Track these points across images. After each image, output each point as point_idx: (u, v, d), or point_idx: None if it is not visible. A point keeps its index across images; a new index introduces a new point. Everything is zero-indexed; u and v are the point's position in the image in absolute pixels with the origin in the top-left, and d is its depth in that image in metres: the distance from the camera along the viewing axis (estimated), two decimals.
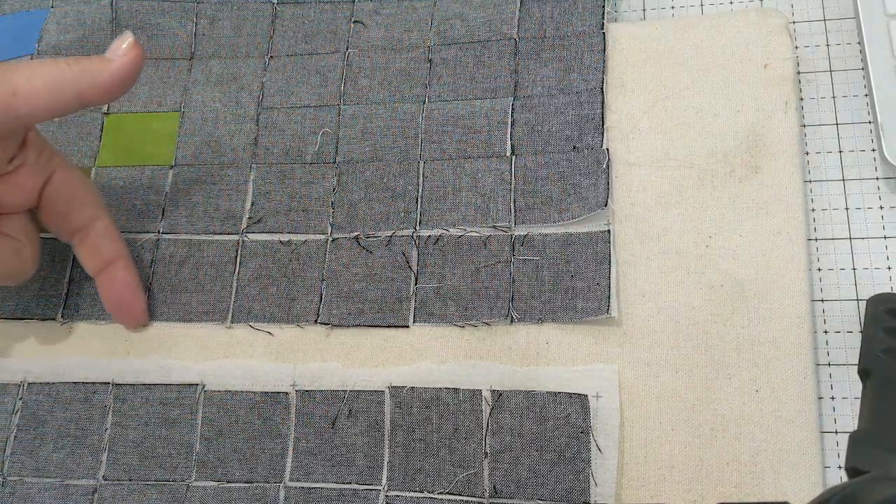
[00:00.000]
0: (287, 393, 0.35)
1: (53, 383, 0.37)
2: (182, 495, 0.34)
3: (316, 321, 0.36)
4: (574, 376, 0.33)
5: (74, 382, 0.37)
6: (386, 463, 0.33)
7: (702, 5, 0.40)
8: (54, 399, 0.37)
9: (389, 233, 0.37)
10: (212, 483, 0.34)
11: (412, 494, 0.33)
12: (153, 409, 0.36)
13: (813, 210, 0.36)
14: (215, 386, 0.36)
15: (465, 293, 0.35)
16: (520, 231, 0.36)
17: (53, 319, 0.38)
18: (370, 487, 0.33)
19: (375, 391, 0.34)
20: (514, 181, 0.37)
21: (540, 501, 0.32)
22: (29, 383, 0.37)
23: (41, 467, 0.36)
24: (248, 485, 0.34)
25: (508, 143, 0.38)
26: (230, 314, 0.37)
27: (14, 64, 0.31)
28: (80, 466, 0.35)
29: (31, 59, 0.43)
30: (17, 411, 0.37)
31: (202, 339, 0.37)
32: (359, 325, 0.36)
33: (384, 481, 0.33)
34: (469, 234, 0.36)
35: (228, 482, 0.34)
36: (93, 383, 0.37)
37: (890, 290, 0.34)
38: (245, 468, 0.34)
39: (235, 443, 0.35)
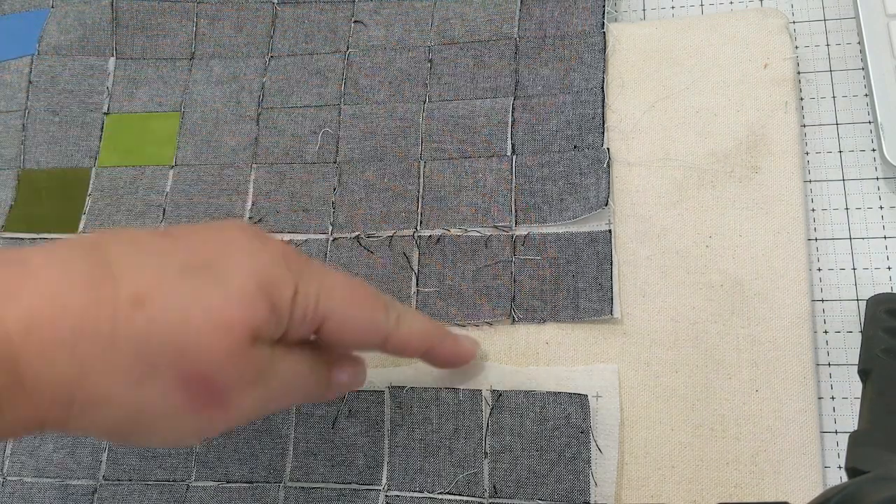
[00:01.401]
0: None
1: None
2: (182, 495, 0.34)
3: None
4: (574, 376, 0.33)
5: None
6: (386, 463, 0.33)
7: (702, 5, 0.40)
8: None
9: (390, 233, 0.37)
10: (211, 483, 0.34)
11: (412, 494, 0.33)
12: None
13: (813, 210, 0.36)
14: None
15: (467, 293, 0.35)
16: (521, 231, 0.36)
17: None
18: (370, 487, 0.33)
19: (376, 391, 0.34)
20: (514, 181, 0.37)
21: (540, 501, 0.32)
22: None
23: (41, 467, 0.36)
24: (248, 485, 0.34)
25: (509, 142, 0.38)
26: None
27: None
28: (80, 466, 0.35)
29: (32, 59, 0.43)
30: None
31: None
32: None
33: (384, 481, 0.33)
34: (470, 233, 0.36)
35: (228, 482, 0.34)
36: None
37: (890, 290, 0.34)
38: (245, 468, 0.34)
39: (235, 443, 0.35)
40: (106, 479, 0.35)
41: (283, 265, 0.25)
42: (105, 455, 0.35)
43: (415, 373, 0.34)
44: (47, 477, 0.35)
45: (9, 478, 0.36)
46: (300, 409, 0.35)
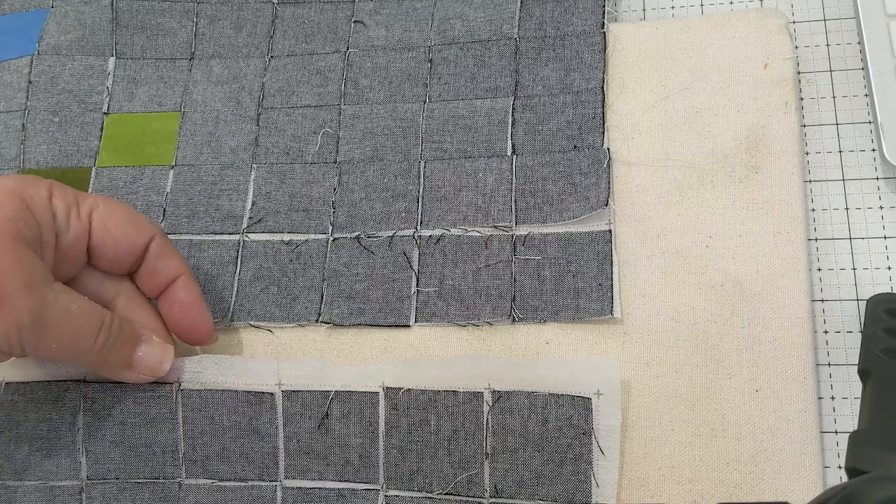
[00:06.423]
0: (272, 393, 0.34)
1: (28, 383, 0.36)
2: (175, 493, 0.34)
3: (317, 321, 0.36)
4: (573, 368, 0.33)
5: (48, 381, 0.35)
6: (382, 464, 0.33)
7: (702, 5, 0.40)
8: (28, 399, 0.35)
9: (390, 233, 0.37)
10: (205, 481, 0.34)
11: (412, 494, 0.33)
12: (128, 408, 0.35)
13: (813, 210, 0.36)
14: (194, 384, 0.35)
15: (467, 293, 0.35)
16: (521, 231, 0.36)
17: None
18: (369, 487, 0.33)
19: (369, 392, 0.34)
20: (514, 181, 0.37)
21: (541, 502, 0.32)
22: (6, 383, 0.36)
23: (20, 470, 0.35)
24: (242, 483, 0.34)
25: (509, 142, 0.38)
26: (230, 313, 0.37)
27: None
28: (59, 468, 0.35)
29: (31, 59, 0.43)
30: None
31: None
32: (360, 325, 0.36)
33: (382, 481, 0.33)
34: (470, 233, 0.36)
35: (222, 480, 0.34)
36: (65, 381, 0.35)
37: (890, 290, 0.34)
38: (237, 466, 0.34)
39: (223, 442, 0.34)
40: (90, 479, 0.35)
41: (35, 177, 0.30)
42: (84, 456, 0.35)
43: (409, 371, 0.34)
44: (28, 480, 0.35)
45: None
46: (286, 409, 0.34)
